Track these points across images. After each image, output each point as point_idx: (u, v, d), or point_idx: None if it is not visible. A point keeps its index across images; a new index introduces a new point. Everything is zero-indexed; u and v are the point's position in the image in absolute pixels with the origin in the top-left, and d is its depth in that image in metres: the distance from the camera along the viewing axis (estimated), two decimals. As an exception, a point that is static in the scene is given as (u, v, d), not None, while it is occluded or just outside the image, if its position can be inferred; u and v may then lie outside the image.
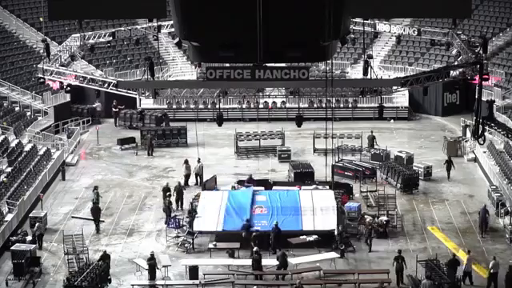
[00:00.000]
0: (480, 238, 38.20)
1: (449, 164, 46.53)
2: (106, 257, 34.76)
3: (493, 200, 41.63)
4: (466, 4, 26.59)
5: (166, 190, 42.09)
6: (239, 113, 58.25)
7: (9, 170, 43.22)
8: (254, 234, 36.81)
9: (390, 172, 45.44)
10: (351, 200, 41.94)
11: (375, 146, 50.03)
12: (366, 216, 39.54)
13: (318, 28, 24.92)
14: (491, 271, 33.31)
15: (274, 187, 42.60)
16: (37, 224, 38.11)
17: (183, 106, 57.21)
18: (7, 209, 39.70)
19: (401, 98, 58.94)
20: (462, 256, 35.54)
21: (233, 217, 38.43)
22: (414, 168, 46.39)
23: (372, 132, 51.20)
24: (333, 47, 28.18)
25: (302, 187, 42.12)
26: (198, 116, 56.51)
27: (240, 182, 43.86)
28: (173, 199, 41.64)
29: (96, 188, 42.91)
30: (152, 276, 34.11)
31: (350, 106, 58.31)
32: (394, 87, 45.59)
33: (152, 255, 34.56)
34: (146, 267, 34.58)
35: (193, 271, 34.30)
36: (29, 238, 37.27)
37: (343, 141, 50.32)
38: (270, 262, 35.29)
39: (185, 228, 38.57)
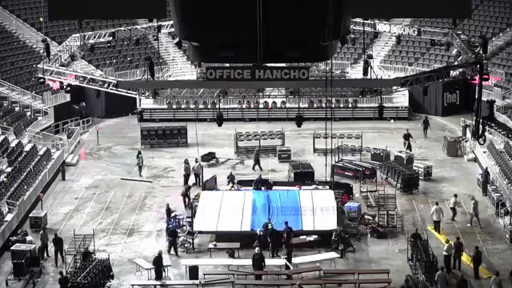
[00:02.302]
0: (480, 238, 38.19)
1: (426, 123, 52.50)
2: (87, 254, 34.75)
3: (493, 200, 41.63)
4: (466, 4, 26.61)
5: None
6: (239, 113, 58.25)
7: (9, 170, 43.22)
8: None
9: (390, 172, 45.44)
10: (351, 200, 41.96)
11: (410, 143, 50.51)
12: (365, 216, 39.73)
13: (317, 28, 24.94)
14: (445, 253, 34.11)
15: (274, 187, 42.57)
16: (40, 232, 37.37)
17: (183, 106, 57.19)
18: (7, 209, 39.70)
19: (401, 98, 58.95)
20: (466, 258, 35.58)
21: (260, 216, 38.30)
22: (414, 168, 46.40)
23: (407, 130, 51.42)
24: (333, 47, 28.20)
25: (302, 187, 42.10)
26: (198, 116, 56.48)
27: (240, 182, 43.87)
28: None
29: (140, 153, 47.46)
30: (158, 276, 34.04)
31: (350, 105, 58.31)
32: (394, 87, 45.58)
33: (160, 254, 34.55)
34: (146, 267, 34.60)
35: (193, 271, 34.28)
36: (29, 238, 37.28)
37: (343, 141, 50.33)
38: (272, 262, 35.36)
39: (185, 228, 38.61)
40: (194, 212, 38.75)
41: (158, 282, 33.62)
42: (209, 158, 49.58)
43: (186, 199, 42.14)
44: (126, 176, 47.59)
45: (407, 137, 50.95)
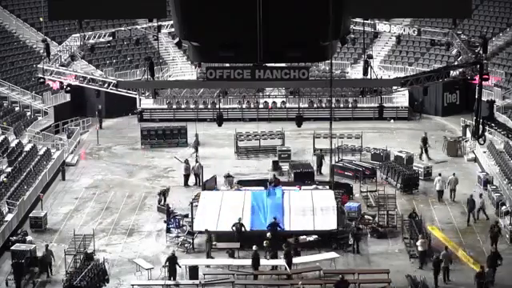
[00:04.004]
0: (480, 238, 38.18)
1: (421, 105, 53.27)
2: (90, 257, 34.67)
3: (493, 200, 41.64)
4: (466, 4, 26.58)
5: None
6: (239, 113, 58.26)
7: (9, 170, 43.21)
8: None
9: (390, 172, 45.44)
10: (351, 200, 41.98)
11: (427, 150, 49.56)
12: (365, 216, 39.75)
13: (318, 28, 24.91)
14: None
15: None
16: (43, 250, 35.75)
17: (183, 106, 57.21)
18: (7, 209, 39.70)
19: (401, 98, 58.95)
20: (462, 255, 35.58)
21: (259, 216, 38.36)
22: (414, 168, 46.39)
23: (426, 134, 50.79)
24: (333, 47, 28.17)
25: (302, 187, 42.10)
26: (198, 116, 56.51)
27: (240, 182, 43.90)
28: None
29: (197, 136, 49.20)
30: (172, 275, 33.93)
31: (350, 105, 58.31)
32: (394, 87, 45.58)
33: (173, 253, 34.54)
34: (146, 267, 34.61)
35: (193, 271, 34.30)
36: (29, 238, 37.28)
37: (343, 141, 50.32)
38: (272, 262, 35.40)
39: (185, 228, 38.63)
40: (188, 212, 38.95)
41: (158, 282, 33.62)
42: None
43: (162, 199, 42.12)
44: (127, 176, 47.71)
45: (425, 141, 49.96)
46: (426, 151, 49.52)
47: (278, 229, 37.10)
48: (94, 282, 32.65)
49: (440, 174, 43.71)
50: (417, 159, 48.28)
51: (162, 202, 41.68)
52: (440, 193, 42.94)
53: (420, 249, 35.55)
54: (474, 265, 34.94)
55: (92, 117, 58.76)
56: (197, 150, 49.64)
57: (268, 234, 36.53)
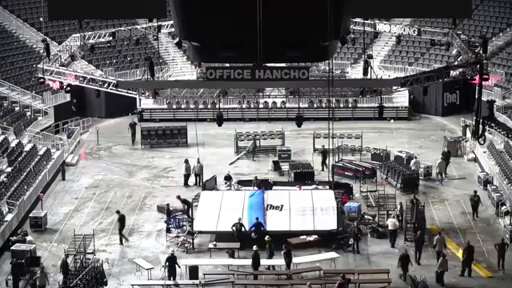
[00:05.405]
0: (480, 238, 38.18)
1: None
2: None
3: (493, 200, 41.64)
4: (466, 4, 26.63)
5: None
6: (239, 113, 58.23)
7: (9, 170, 43.20)
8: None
9: (390, 172, 45.44)
10: (351, 200, 41.98)
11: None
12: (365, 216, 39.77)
13: (317, 28, 24.97)
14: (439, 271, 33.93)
15: (274, 187, 42.59)
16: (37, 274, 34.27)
17: (183, 106, 57.20)
18: (7, 209, 39.68)
19: (401, 98, 58.95)
20: (462, 255, 35.59)
21: (255, 215, 38.36)
22: (414, 168, 46.37)
23: (446, 148, 49.50)
24: (333, 47, 28.23)
25: (302, 187, 42.11)
26: (198, 116, 56.49)
27: (240, 182, 43.93)
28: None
29: (254, 141, 49.54)
30: (172, 275, 33.92)
31: (349, 105, 58.29)
32: (394, 87, 45.58)
33: (173, 253, 34.55)
34: (146, 267, 34.62)
35: (193, 271, 34.30)
36: (29, 238, 37.28)
37: (343, 141, 50.32)
38: (272, 262, 35.39)
39: (185, 228, 38.64)
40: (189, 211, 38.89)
41: (158, 282, 33.64)
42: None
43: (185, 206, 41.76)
44: (125, 177, 47.71)
45: (448, 155, 48.00)
46: (446, 166, 47.30)
47: (262, 229, 37.07)
48: (91, 285, 32.57)
49: (416, 157, 46.43)
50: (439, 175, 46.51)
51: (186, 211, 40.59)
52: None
53: (390, 228, 37.26)
54: (474, 265, 34.91)
55: (92, 117, 58.84)
56: (254, 153, 49.85)
57: (252, 235, 36.51)
